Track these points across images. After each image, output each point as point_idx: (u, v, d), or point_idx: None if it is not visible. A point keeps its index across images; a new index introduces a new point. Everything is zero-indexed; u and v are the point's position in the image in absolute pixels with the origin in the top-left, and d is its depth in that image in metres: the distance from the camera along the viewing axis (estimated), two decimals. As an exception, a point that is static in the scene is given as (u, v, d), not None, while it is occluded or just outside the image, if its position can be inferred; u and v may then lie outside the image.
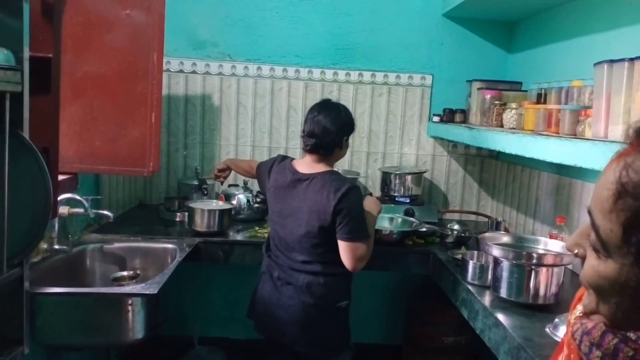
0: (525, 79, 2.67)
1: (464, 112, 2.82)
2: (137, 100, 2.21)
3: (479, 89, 2.67)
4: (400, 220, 2.55)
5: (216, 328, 3.03)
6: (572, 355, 0.65)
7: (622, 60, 1.40)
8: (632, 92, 1.38)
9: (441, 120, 2.87)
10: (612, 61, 1.45)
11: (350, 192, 1.85)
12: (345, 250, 1.86)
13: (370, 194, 2.57)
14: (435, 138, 3.00)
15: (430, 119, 2.97)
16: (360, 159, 3.01)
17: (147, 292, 1.58)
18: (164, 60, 2.18)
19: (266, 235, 2.36)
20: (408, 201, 2.81)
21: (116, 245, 2.14)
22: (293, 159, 2.07)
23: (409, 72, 2.95)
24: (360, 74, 2.94)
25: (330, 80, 2.93)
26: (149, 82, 2.22)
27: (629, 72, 1.38)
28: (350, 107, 2.89)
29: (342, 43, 2.91)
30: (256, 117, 2.95)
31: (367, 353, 2.86)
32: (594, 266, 0.58)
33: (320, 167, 1.94)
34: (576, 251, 0.62)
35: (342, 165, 2.92)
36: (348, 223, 1.84)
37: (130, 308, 1.59)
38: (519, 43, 2.87)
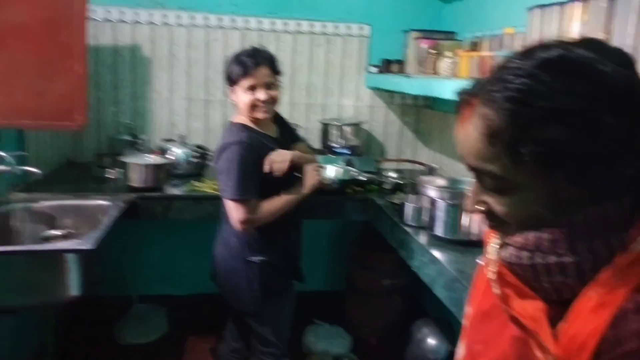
0: (460, 28, 2.72)
1: (401, 63, 2.85)
2: (62, 51, 2.07)
3: (415, 39, 2.70)
4: (341, 170, 2.58)
5: (157, 285, 3.00)
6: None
7: (553, 4, 1.45)
8: (563, 36, 1.44)
9: (379, 71, 2.89)
10: (543, 6, 1.50)
11: (226, 149, 1.78)
12: (224, 207, 1.83)
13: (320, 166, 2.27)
14: (374, 89, 3.02)
15: (367, 70, 2.99)
16: (300, 111, 2.99)
17: (83, 248, 1.52)
18: (89, 8, 2.04)
19: (206, 189, 2.33)
20: (348, 152, 2.84)
21: (45, 204, 2.03)
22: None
23: (347, 22, 2.92)
24: (298, 24, 2.88)
25: (267, 30, 2.86)
26: (72, 31, 2.08)
27: (560, 17, 1.44)
28: (288, 58, 2.88)
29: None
30: (191, 69, 2.84)
31: (310, 300, 2.94)
32: (509, 204, 0.62)
33: (233, 119, 1.93)
34: (482, 208, 0.65)
35: (281, 117, 2.90)
36: (220, 181, 1.82)
37: (65, 265, 1.53)
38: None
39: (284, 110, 2.92)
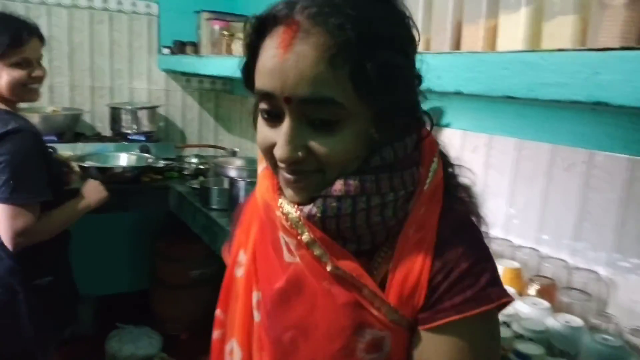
0: (252, 10, 2.72)
1: (196, 45, 2.75)
2: None
3: (207, 19, 2.62)
4: (134, 157, 2.39)
5: None
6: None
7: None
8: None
9: (172, 53, 2.74)
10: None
11: (7, 136, 1.43)
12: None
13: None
14: (168, 71, 2.86)
15: (159, 51, 2.81)
16: (84, 95, 2.68)
17: None
18: None
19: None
20: (143, 138, 2.65)
21: None
22: None
23: (131, -1, 2.70)
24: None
25: (36, 2, 2.48)
26: None
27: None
28: (64, 35, 2.55)
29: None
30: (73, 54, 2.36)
31: (114, 304, 2.69)
32: (334, 143, 0.57)
33: None
34: (299, 153, 0.58)
35: (61, 101, 2.56)
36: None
37: None
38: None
39: (63, 93, 2.60)
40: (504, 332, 1.02)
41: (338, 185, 0.59)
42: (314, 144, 0.57)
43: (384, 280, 0.60)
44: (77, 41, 2.61)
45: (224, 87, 3.03)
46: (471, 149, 1.42)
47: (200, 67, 2.30)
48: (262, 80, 0.58)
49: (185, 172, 2.39)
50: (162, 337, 2.65)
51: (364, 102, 0.56)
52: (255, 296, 0.69)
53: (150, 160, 2.33)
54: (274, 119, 0.59)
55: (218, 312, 0.76)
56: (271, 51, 0.56)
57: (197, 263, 2.67)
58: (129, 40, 2.75)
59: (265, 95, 0.58)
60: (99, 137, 2.67)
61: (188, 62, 2.47)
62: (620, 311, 1.14)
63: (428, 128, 0.65)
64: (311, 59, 0.54)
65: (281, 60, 0.55)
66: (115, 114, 2.63)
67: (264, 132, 0.61)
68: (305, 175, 0.59)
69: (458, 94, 0.85)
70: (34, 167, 1.46)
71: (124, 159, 2.37)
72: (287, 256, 0.64)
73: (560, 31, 0.88)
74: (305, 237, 0.60)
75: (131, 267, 2.94)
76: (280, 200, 0.63)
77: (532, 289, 1.17)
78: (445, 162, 0.67)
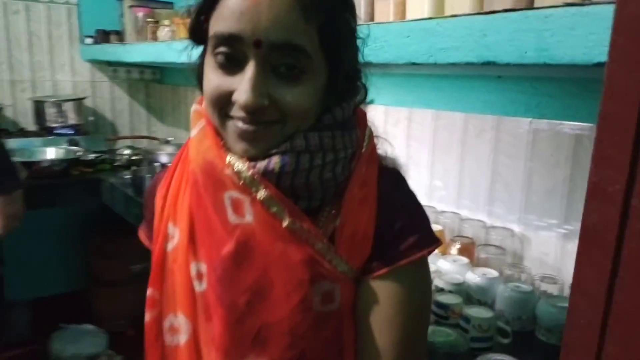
0: (176, -3, 2.69)
1: (120, 33, 2.67)
2: None
3: (130, 6, 2.56)
4: (62, 151, 2.31)
5: None
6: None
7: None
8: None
9: (95, 42, 2.65)
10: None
11: None
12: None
13: None
14: (93, 62, 2.77)
15: (82, 41, 2.71)
16: (3, 89, 2.55)
17: None
18: None
19: None
20: (71, 132, 2.56)
21: None
22: None
23: (47, -13, 2.59)
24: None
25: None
26: None
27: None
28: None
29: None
30: None
31: (52, 306, 2.60)
32: (298, 93, 0.58)
33: None
34: (265, 101, 0.57)
35: (-23, 97, 2.43)
36: None
37: None
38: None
39: (-21, 88, 2.47)
40: (427, 287, 1.09)
41: (298, 141, 0.59)
42: (277, 93, 0.57)
43: (332, 236, 0.62)
44: (-10, 33, 2.48)
45: (154, 76, 2.96)
46: (393, 123, 1.48)
47: (125, 55, 2.25)
48: (227, 22, 0.56)
49: (117, 164, 2.34)
50: (108, 335, 2.60)
51: (325, 58, 0.59)
52: (194, 267, 0.66)
53: (79, 153, 2.26)
54: (232, 65, 0.58)
55: (150, 291, 0.73)
56: None
57: (137, 257, 2.62)
58: (48, 30, 2.63)
59: (229, 39, 0.56)
60: (23, 133, 2.56)
61: (112, 51, 2.40)
62: (532, 263, 1.24)
63: (361, 98, 0.69)
64: (287, 4, 0.54)
65: (254, 2, 0.54)
66: (38, 108, 2.53)
67: (217, 79, 0.59)
68: (265, 125, 0.58)
69: (368, 64, 0.90)
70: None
71: (51, 153, 2.28)
72: (232, 217, 0.61)
73: (460, 1, 0.95)
74: (261, 194, 0.59)
75: (66, 267, 2.84)
76: (228, 158, 0.60)
77: (454, 249, 1.25)
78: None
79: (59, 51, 2.68)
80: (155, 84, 3.00)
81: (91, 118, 2.81)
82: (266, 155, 0.59)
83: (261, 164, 0.59)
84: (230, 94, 0.58)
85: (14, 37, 2.55)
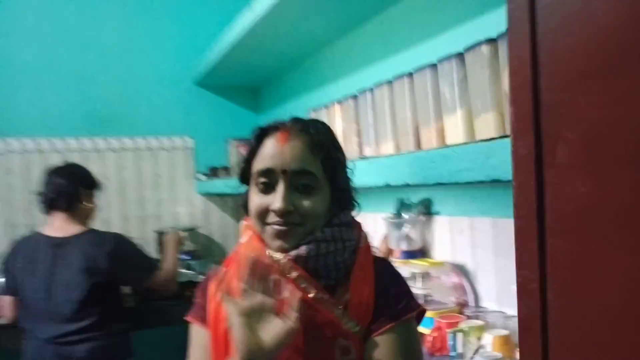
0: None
1: (227, 169, 3.09)
2: None
3: (235, 146, 2.99)
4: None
5: None
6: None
7: (321, 107, 1.81)
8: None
9: (207, 178, 3.09)
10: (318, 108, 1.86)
11: (117, 237, 1.97)
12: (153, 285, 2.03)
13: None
14: (205, 194, 3.20)
15: (196, 177, 3.17)
16: (133, 224, 3.02)
17: None
18: None
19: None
20: (187, 257, 2.91)
21: None
22: (34, 232, 2.02)
23: (169, 136, 3.12)
24: (120, 141, 3.00)
25: (90, 150, 2.93)
26: None
27: (328, 117, 1.80)
28: (113, 174, 2.95)
29: (96, 110, 2.95)
30: (10, 195, 2.76)
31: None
32: (313, 202, 0.87)
33: (75, 228, 1.93)
34: (291, 206, 0.87)
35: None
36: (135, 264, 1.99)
37: None
38: (264, 104, 3.32)
39: (116, 224, 2.93)
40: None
41: (318, 234, 0.88)
42: (298, 202, 0.87)
43: (345, 307, 0.87)
44: (126, 177, 3.00)
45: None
46: (458, 232, 1.56)
47: (232, 187, 2.59)
48: (265, 162, 0.88)
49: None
50: None
51: (327, 180, 0.90)
52: None
53: (192, 276, 2.56)
54: (268, 189, 0.88)
55: None
56: (272, 143, 0.89)
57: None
58: (170, 171, 3.13)
59: (267, 171, 0.88)
60: (147, 260, 2.95)
61: (222, 185, 2.78)
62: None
63: (358, 209, 0.97)
64: (300, 148, 0.88)
65: (281, 148, 0.88)
66: (160, 238, 2.93)
67: (259, 199, 0.89)
68: (292, 226, 0.87)
69: (406, 185, 1.05)
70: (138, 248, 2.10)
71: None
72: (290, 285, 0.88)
73: (487, 124, 1.09)
74: (293, 274, 0.85)
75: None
76: (267, 252, 0.88)
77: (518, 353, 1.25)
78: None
79: (178, 188, 3.15)
80: (257, 208, 3.33)
81: (201, 242, 3.16)
82: (295, 247, 0.86)
83: (293, 252, 0.86)
84: (267, 207, 0.88)
85: (143, 179, 3.06)
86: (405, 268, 1.63)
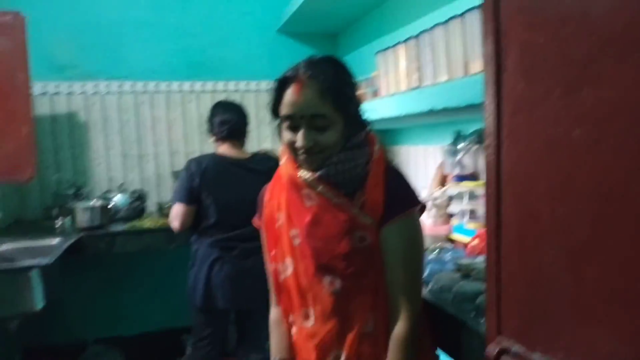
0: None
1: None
2: (8, 117, 2.45)
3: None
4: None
5: (109, 328, 3.22)
6: None
7: (389, 48, 2.04)
8: (397, 70, 2.02)
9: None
10: (385, 49, 2.09)
11: (274, 158, 2.25)
12: None
13: None
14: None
15: (279, 117, 3.50)
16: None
17: (43, 263, 1.85)
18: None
19: (147, 225, 2.67)
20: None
21: (3, 247, 2.30)
22: (212, 154, 2.35)
23: (255, 80, 3.47)
24: (214, 84, 3.40)
25: (188, 92, 3.35)
26: (18, 100, 2.47)
27: (394, 57, 2.03)
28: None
29: (193, 57, 3.36)
30: (123, 129, 3.26)
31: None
32: (329, 136, 1.12)
33: (244, 152, 2.36)
34: (311, 143, 1.12)
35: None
36: None
37: (29, 281, 1.84)
38: (340, 49, 3.56)
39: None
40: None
41: (334, 158, 1.14)
42: (317, 138, 1.12)
43: (362, 206, 1.15)
44: (218, 117, 3.40)
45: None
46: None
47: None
48: (286, 109, 1.13)
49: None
50: None
51: (339, 114, 1.13)
52: (292, 232, 1.21)
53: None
54: (294, 129, 1.14)
55: (272, 252, 1.27)
56: (290, 95, 1.12)
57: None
58: (256, 111, 3.49)
59: (289, 117, 1.13)
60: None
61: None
62: None
63: (369, 128, 1.23)
64: (312, 95, 1.10)
65: (296, 98, 1.11)
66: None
67: (289, 135, 1.15)
68: (314, 155, 1.13)
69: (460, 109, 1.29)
70: None
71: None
72: (307, 203, 1.17)
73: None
74: (320, 188, 1.15)
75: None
76: (299, 172, 1.16)
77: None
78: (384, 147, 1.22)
79: (262, 127, 3.51)
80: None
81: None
82: (319, 168, 1.14)
83: (317, 173, 1.14)
84: (294, 142, 1.13)
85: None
86: (455, 188, 1.87)
